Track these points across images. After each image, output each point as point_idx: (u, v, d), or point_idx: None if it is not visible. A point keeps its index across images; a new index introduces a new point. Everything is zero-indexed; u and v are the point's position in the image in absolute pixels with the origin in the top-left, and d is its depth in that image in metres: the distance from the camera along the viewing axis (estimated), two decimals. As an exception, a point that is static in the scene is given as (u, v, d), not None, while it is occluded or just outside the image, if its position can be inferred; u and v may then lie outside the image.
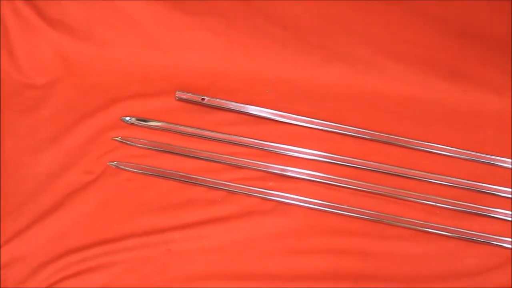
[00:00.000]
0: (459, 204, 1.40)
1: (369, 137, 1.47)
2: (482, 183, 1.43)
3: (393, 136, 1.47)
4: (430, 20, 1.44)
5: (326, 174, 1.42)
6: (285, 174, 1.42)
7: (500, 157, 1.47)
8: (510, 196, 1.42)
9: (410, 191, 1.41)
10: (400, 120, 1.52)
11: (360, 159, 1.45)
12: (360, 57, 1.55)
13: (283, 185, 1.41)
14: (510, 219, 1.39)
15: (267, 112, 1.49)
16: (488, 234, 1.37)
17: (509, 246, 1.35)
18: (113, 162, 1.41)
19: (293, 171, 1.42)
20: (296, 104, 1.51)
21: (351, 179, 1.42)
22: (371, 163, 1.44)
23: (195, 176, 1.41)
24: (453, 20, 1.43)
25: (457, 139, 1.49)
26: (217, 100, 1.49)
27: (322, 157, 1.45)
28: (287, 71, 1.55)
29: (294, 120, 1.48)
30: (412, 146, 1.47)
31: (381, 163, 1.44)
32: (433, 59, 1.53)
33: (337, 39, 1.53)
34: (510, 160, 1.46)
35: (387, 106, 1.53)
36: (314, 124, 1.48)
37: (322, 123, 1.48)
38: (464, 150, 1.47)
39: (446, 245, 1.36)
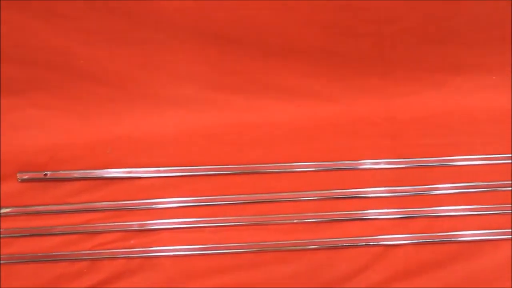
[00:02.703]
0: (319, 215, 1.43)
1: (218, 172, 1.49)
2: (336, 189, 1.46)
3: (241, 166, 1.49)
4: (246, 46, 1.47)
5: (186, 218, 1.43)
6: (145, 229, 1.41)
7: (346, 161, 1.51)
8: (367, 195, 1.46)
9: (269, 214, 1.43)
10: (244, 148, 1.54)
11: (215, 196, 1.46)
12: (189, 96, 1.56)
13: (146, 240, 1.40)
14: (372, 217, 1.43)
15: (113, 171, 1.48)
16: (353, 237, 1.40)
17: (375, 243, 1.39)
18: (-33, 259, 1.37)
19: (152, 223, 1.42)
20: (140, 157, 1.51)
21: (211, 217, 1.43)
22: (227, 196, 1.45)
23: (55, 253, 1.38)
24: (268, 41, 1.46)
25: (303, 153, 1.52)
26: (61, 172, 1.47)
27: (178, 203, 1.45)
28: (123, 127, 1.55)
29: (142, 173, 1.48)
30: (262, 171, 1.49)
31: (236, 195, 1.46)
32: (260, 82, 1.55)
33: (162, 84, 1.53)
34: (360, 161, 1.51)
35: (227, 138, 1.55)
36: (163, 173, 1.48)
37: (170, 169, 1.49)
38: (312, 162, 1.50)
39: (316, 257, 1.38)
